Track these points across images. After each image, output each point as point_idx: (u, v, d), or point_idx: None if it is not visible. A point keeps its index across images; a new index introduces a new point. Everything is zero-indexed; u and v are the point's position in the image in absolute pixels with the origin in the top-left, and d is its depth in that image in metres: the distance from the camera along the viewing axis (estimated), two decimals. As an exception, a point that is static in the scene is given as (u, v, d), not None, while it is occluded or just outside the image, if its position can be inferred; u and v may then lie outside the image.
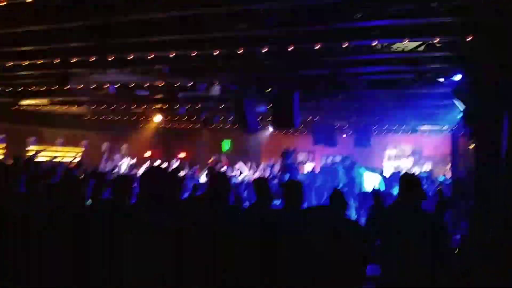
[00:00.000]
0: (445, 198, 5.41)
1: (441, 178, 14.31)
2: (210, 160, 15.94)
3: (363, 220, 10.92)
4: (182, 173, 10.93)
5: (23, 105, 14.35)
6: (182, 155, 23.04)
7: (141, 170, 9.85)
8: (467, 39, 6.07)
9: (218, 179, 4.33)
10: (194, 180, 9.68)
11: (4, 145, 16.32)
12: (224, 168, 13.46)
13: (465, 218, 8.85)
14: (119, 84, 10.53)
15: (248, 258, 3.92)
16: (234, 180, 10.12)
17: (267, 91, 9.71)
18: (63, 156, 17.69)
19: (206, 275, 3.83)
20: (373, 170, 12.89)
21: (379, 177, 12.43)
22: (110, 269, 3.57)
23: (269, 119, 11.25)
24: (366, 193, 11.78)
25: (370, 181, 12.00)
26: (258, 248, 3.97)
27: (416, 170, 17.92)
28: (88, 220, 4.51)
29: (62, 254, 4.15)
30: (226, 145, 22.05)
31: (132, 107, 14.48)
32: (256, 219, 4.32)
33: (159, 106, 13.81)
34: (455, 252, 5.29)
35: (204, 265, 3.82)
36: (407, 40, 6.40)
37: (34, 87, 11.59)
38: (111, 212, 4.47)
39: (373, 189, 11.72)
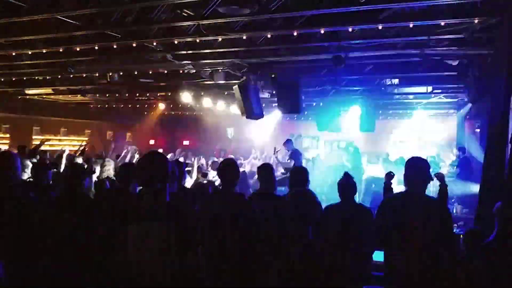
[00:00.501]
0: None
1: (447, 162, 14.27)
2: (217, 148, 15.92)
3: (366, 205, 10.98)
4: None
5: (28, 95, 14.35)
6: (186, 142, 23.06)
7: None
8: (475, 21, 6.01)
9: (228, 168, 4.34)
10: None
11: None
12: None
13: (469, 205, 8.87)
14: (122, 73, 10.52)
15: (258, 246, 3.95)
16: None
17: (272, 77, 9.66)
18: (68, 145, 17.79)
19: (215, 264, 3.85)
20: (377, 158, 12.79)
21: (382, 164, 12.39)
22: (113, 259, 3.60)
23: (274, 105, 11.23)
24: (369, 178, 11.81)
25: (373, 168, 12.00)
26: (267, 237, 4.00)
27: (421, 155, 17.82)
28: (92, 209, 4.53)
29: (66, 244, 4.16)
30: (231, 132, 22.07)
31: (136, 95, 14.45)
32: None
33: (163, 93, 13.77)
34: (459, 238, 5.28)
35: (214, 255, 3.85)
36: (411, 24, 6.33)
37: (38, 76, 11.59)
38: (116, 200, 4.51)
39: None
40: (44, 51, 8.40)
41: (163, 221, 3.17)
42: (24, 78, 11.84)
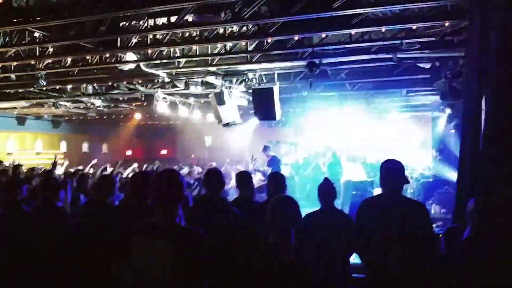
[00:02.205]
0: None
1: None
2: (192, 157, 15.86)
3: (346, 209, 11.02)
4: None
5: (0, 109, 14.08)
6: (164, 152, 22.92)
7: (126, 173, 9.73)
8: (446, 24, 6.10)
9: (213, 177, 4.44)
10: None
11: None
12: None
13: (447, 204, 8.95)
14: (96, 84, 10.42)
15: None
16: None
17: (247, 84, 9.66)
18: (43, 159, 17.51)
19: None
20: (354, 159, 12.89)
21: (361, 167, 12.48)
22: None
23: (251, 112, 11.22)
24: (348, 182, 11.86)
25: (352, 171, 12.04)
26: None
27: (397, 157, 18.01)
28: (72, 222, 4.46)
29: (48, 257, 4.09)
30: (208, 140, 21.99)
31: (110, 106, 14.30)
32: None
33: (138, 103, 13.65)
34: (439, 238, 5.31)
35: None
36: (384, 28, 6.40)
37: (10, 90, 11.37)
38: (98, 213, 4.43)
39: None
40: (14, 63, 8.25)
41: (170, 240, 3.10)
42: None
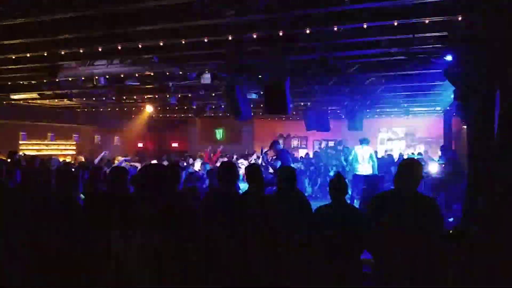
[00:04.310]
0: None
1: (434, 160, 14.37)
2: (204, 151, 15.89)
3: (355, 203, 11.02)
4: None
5: (13, 100, 14.21)
6: (175, 145, 23.01)
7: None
8: (458, 19, 6.04)
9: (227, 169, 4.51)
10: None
11: None
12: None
13: (457, 200, 8.92)
14: (108, 76, 10.45)
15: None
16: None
17: (258, 77, 9.66)
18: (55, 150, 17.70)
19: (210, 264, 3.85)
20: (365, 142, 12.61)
21: (371, 150, 12.37)
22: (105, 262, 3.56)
23: (262, 105, 11.22)
24: (358, 175, 11.84)
25: (363, 155, 11.98)
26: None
27: (409, 152, 17.99)
28: (84, 212, 4.51)
29: (57, 247, 4.13)
30: (219, 134, 22.05)
31: (123, 98, 14.38)
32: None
33: (150, 96, 13.72)
34: (449, 234, 5.29)
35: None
36: (396, 22, 6.36)
37: (23, 81, 11.47)
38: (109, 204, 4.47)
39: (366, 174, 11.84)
40: (28, 55, 8.32)
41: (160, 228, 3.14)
42: (9, 83, 11.71)
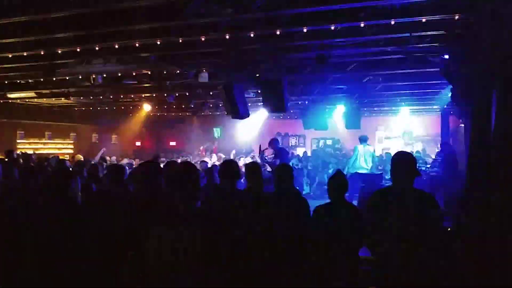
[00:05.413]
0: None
1: (432, 158, 14.40)
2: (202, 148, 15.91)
3: (354, 201, 11.02)
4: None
5: (10, 99, 14.17)
6: (172, 143, 23.00)
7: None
8: (455, 18, 6.05)
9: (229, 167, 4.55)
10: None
11: None
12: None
13: (456, 197, 8.92)
14: (105, 75, 10.43)
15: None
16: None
17: (256, 76, 9.66)
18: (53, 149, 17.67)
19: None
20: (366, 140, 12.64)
21: (372, 148, 12.41)
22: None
23: (260, 104, 11.22)
24: (357, 174, 11.84)
25: (364, 153, 12.01)
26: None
27: (407, 151, 17.96)
28: (83, 211, 4.51)
29: (56, 246, 4.13)
30: (217, 132, 22.04)
31: (120, 97, 14.37)
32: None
33: (147, 95, 13.70)
34: (448, 231, 5.31)
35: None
36: (393, 21, 6.36)
37: (20, 80, 11.45)
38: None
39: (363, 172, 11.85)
40: (25, 54, 8.29)
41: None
42: (6, 82, 11.68)
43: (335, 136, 19.35)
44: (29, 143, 17.60)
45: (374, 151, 13.28)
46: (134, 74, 10.49)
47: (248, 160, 12.91)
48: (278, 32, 6.86)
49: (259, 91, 10.56)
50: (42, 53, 8.23)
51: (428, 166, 13.16)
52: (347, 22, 6.48)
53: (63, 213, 4.25)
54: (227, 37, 7.18)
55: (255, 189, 4.75)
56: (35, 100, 14.84)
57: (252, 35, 7.11)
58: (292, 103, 13.44)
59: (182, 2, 5.97)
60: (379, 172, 12.03)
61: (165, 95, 13.09)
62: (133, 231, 3.52)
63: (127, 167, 6.69)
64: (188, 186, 3.29)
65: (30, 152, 14.77)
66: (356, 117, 13.36)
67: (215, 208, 4.27)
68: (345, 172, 11.87)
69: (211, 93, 12.72)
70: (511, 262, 3.44)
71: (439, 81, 10.04)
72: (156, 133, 23.11)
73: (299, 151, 19.47)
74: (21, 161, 10.35)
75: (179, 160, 12.79)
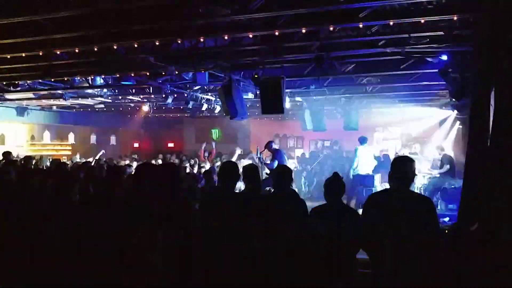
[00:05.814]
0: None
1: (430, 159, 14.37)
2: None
3: (352, 203, 11.01)
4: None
5: (9, 100, 14.15)
6: (171, 144, 22.97)
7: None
8: (454, 19, 6.06)
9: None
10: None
11: None
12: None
13: (453, 199, 8.94)
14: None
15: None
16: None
17: (254, 77, 9.64)
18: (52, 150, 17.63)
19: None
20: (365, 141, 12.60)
21: (372, 149, 12.41)
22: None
23: (258, 105, 11.20)
24: (357, 175, 11.83)
25: (366, 156, 11.99)
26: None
27: (405, 152, 17.99)
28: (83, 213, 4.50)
29: (56, 247, 4.13)
30: (215, 134, 22.01)
31: (118, 98, 14.35)
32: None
33: (146, 96, 13.68)
34: (444, 234, 5.30)
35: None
36: (391, 22, 6.37)
37: (19, 81, 11.41)
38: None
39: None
40: (23, 54, 8.28)
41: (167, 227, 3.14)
42: (4, 83, 11.64)
43: (333, 138, 19.33)
44: (28, 145, 17.55)
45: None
46: (132, 75, 10.47)
47: (246, 162, 12.89)
48: (276, 33, 6.85)
49: (258, 92, 10.55)
50: (40, 53, 8.21)
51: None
52: (345, 23, 6.48)
53: (62, 215, 4.25)
54: (226, 38, 7.19)
55: (253, 191, 4.74)
56: (33, 101, 14.80)
57: (250, 35, 7.12)
58: (290, 104, 13.42)
59: (181, 3, 5.96)
60: (378, 174, 12.01)
61: (164, 96, 13.08)
62: (128, 232, 3.52)
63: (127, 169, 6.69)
64: (165, 187, 3.29)
65: (30, 154, 14.74)
66: (354, 119, 13.36)
67: (211, 210, 4.25)
68: (350, 174, 11.89)
69: (209, 94, 12.71)
70: (511, 262, 3.44)
71: (438, 82, 10.04)
72: (154, 135, 23.08)
73: (298, 153, 19.47)
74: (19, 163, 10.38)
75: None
